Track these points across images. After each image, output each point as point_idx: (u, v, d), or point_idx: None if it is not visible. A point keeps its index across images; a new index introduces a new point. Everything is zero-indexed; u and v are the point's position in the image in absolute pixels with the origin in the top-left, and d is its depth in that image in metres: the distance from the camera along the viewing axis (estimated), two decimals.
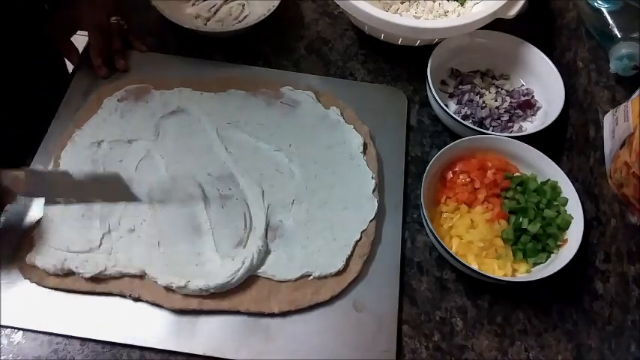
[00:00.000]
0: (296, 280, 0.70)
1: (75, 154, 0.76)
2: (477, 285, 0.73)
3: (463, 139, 0.78)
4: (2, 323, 0.65)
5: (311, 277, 0.70)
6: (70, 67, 0.89)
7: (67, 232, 0.70)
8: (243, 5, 0.94)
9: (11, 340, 0.65)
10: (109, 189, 0.72)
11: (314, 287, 0.69)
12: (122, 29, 0.87)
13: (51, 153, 0.76)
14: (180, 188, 0.74)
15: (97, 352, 0.65)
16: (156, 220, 0.72)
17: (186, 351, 0.65)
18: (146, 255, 0.69)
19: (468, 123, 0.81)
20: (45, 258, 0.67)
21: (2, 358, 0.63)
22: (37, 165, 0.76)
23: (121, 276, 0.68)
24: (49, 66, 0.97)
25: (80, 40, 0.86)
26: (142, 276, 0.68)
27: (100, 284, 0.67)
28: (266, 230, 0.72)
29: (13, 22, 0.83)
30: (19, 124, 0.84)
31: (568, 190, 0.75)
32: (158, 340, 0.65)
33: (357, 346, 0.67)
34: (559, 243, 0.72)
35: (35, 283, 0.67)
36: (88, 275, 0.67)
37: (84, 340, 0.65)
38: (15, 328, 0.65)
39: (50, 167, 0.75)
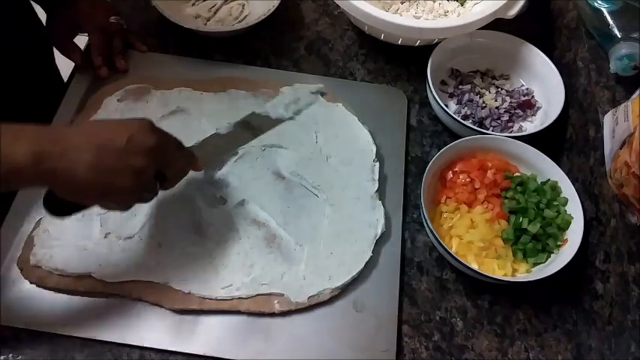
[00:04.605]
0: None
1: None
2: (477, 285, 0.73)
3: (463, 139, 0.78)
4: (2, 323, 0.65)
5: None
6: (69, 68, 0.89)
7: (67, 232, 0.69)
8: (243, 5, 0.94)
9: (11, 340, 0.65)
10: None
11: None
12: (122, 29, 0.86)
13: None
14: (180, 189, 0.74)
15: (97, 352, 0.65)
16: (157, 221, 0.71)
17: (186, 351, 0.65)
18: (148, 257, 0.69)
19: (468, 123, 0.81)
20: (45, 258, 0.67)
21: (2, 358, 0.63)
22: None
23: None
24: (48, 66, 0.97)
25: (81, 40, 0.86)
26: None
27: (100, 284, 0.67)
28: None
29: (13, 22, 0.83)
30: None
31: (568, 190, 0.75)
32: (158, 340, 0.65)
33: (357, 346, 0.67)
34: (559, 243, 0.72)
35: (35, 283, 0.67)
36: (96, 276, 0.67)
37: (84, 340, 0.65)
38: (15, 328, 0.65)
39: None
